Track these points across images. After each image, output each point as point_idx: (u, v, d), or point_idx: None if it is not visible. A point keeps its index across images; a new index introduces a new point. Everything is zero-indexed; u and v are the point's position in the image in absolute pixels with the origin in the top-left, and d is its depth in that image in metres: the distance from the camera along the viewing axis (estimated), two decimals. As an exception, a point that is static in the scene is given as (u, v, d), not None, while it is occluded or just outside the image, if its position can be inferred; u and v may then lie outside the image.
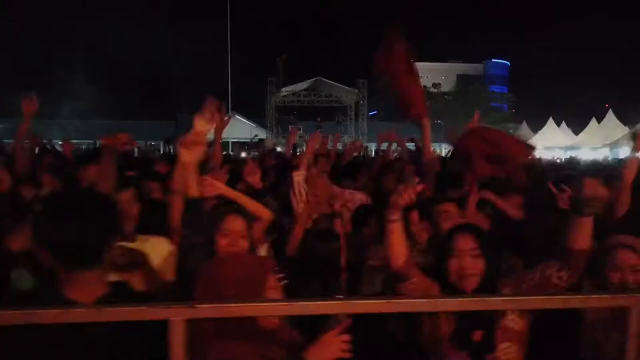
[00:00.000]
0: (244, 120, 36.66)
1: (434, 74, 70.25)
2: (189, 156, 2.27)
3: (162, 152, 16.37)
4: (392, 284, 2.08)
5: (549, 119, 30.26)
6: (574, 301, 1.42)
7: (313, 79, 32.49)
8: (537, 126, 31.75)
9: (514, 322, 1.88)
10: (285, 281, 1.76)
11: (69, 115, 31.80)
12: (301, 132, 32.60)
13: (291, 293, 2.44)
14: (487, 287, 1.92)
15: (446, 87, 58.65)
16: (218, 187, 2.73)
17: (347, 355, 1.54)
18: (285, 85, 33.02)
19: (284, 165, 6.03)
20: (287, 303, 1.40)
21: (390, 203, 2.01)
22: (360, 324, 1.62)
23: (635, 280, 1.94)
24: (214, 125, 3.02)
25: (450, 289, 1.96)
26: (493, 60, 75.17)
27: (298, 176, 3.71)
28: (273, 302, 1.53)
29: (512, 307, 1.37)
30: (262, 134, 30.82)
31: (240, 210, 2.63)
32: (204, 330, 1.53)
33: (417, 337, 2.05)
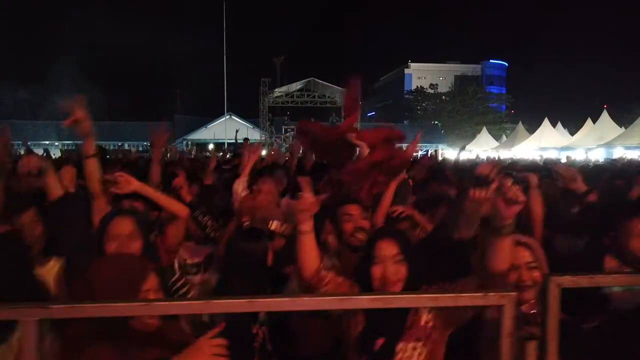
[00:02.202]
0: (240, 121, 36.71)
1: (431, 75, 70.28)
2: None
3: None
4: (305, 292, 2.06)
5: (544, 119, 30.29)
6: (445, 300, 1.39)
7: (306, 80, 32.49)
8: (533, 127, 31.79)
9: (427, 324, 1.87)
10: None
11: (66, 117, 31.72)
12: (294, 132, 32.57)
13: (220, 291, 2.48)
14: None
15: (444, 88, 58.63)
16: (133, 183, 2.69)
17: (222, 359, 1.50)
18: (283, 85, 33.01)
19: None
20: (143, 303, 1.36)
21: (297, 216, 1.99)
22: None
23: (531, 277, 1.94)
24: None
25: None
26: (491, 61, 75.15)
27: (237, 185, 3.75)
28: (130, 302, 1.40)
29: (378, 306, 1.27)
30: (256, 135, 30.86)
31: (130, 211, 2.55)
32: (74, 336, 1.50)
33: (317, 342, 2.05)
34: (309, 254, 2.00)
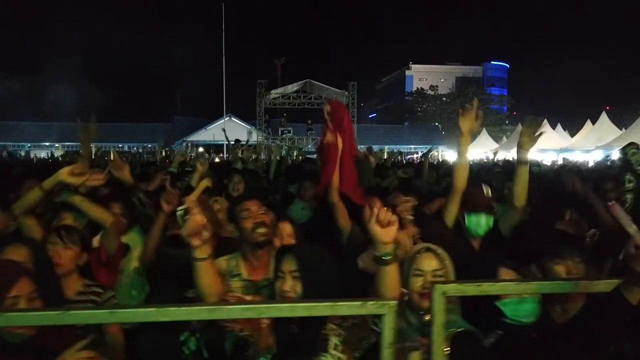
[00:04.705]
0: (240, 123, 36.71)
1: (432, 76, 70.15)
2: None
3: (159, 155, 16.39)
4: None
5: (544, 121, 30.23)
6: (321, 309, 1.29)
7: (303, 81, 32.43)
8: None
9: (336, 349, 1.78)
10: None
11: (66, 118, 31.94)
12: (291, 134, 32.59)
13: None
14: None
15: (445, 89, 58.48)
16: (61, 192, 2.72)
17: None
18: (285, 86, 33.01)
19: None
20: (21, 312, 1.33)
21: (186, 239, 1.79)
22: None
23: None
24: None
25: None
26: (492, 62, 74.96)
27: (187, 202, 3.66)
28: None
29: (250, 316, 1.22)
30: (254, 136, 30.86)
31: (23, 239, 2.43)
32: None
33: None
34: (209, 282, 1.85)
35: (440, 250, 1.98)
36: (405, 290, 1.90)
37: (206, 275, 1.83)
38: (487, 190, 3.13)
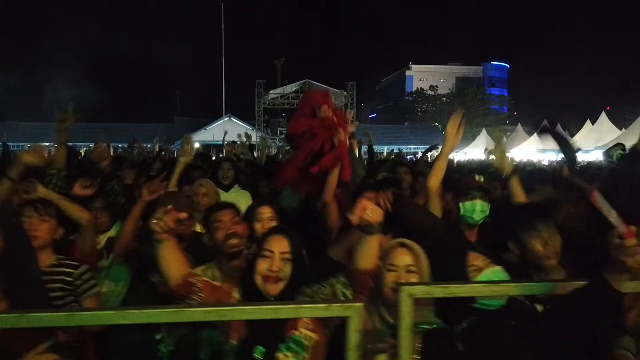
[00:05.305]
0: (239, 123, 36.72)
1: (433, 77, 70.03)
2: None
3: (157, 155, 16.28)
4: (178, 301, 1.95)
5: (543, 121, 30.18)
6: (285, 311, 1.35)
7: (302, 82, 32.47)
8: (533, 129, 31.66)
9: (305, 335, 1.82)
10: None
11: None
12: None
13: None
14: (289, 295, 1.86)
15: (445, 90, 58.41)
16: (39, 190, 2.75)
17: None
18: (282, 87, 33.02)
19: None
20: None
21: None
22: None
23: (407, 281, 1.86)
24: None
25: (255, 294, 1.87)
26: (492, 62, 74.84)
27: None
28: None
29: (213, 319, 1.19)
30: (254, 137, 30.88)
31: None
32: None
33: None
34: (171, 263, 1.87)
35: (415, 246, 1.97)
36: (380, 263, 1.92)
37: (169, 257, 1.85)
38: (479, 178, 3.12)
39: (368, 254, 1.80)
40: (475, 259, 1.98)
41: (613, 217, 1.48)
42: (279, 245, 1.92)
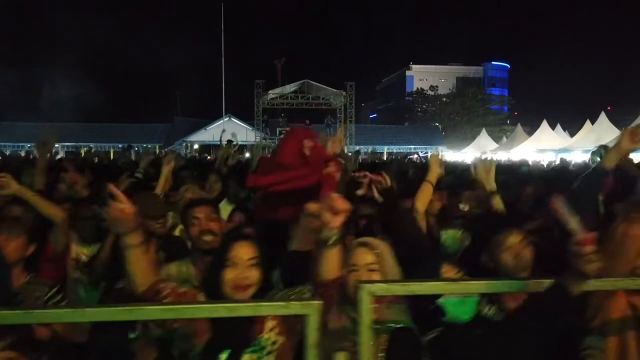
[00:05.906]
0: (239, 123, 36.72)
1: (433, 77, 69.90)
2: None
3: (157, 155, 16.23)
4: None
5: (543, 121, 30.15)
6: (244, 309, 1.32)
7: (301, 81, 32.43)
8: (534, 128, 31.62)
9: (272, 331, 1.83)
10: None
11: (67, 119, 32.10)
12: (288, 134, 32.31)
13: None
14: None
15: (445, 89, 58.35)
16: (12, 186, 2.76)
17: None
18: (282, 87, 33.00)
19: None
20: None
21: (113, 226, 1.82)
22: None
23: (369, 279, 1.85)
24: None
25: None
26: (492, 62, 74.70)
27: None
28: None
29: (170, 317, 1.22)
30: (253, 136, 30.89)
31: None
32: None
33: None
34: (139, 270, 1.82)
35: (377, 245, 1.97)
36: (344, 272, 1.90)
37: (136, 263, 1.81)
38: (464, 206, 3.14)
39: (331, 266, 1.75)
40: (448, 271, 2.00)
41: (573, 223, 1.47)
42: (244, 252, 1.90)
